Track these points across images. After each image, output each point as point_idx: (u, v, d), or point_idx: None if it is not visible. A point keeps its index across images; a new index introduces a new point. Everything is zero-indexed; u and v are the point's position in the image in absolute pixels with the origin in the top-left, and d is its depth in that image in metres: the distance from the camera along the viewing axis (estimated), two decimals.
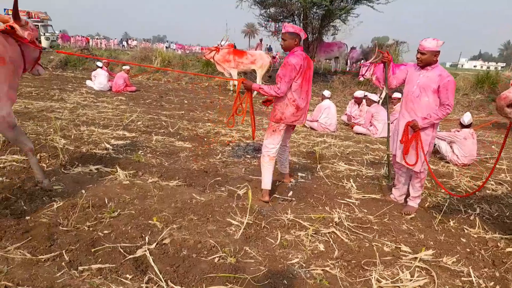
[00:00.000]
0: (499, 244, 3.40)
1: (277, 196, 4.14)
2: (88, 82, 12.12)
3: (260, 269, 2.72)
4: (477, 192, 4.73)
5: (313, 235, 3.28)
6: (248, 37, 72.90)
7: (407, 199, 4.08)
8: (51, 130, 5.93)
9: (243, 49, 15.73)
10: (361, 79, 12.44)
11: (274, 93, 3.73)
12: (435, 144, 6.24)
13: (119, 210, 3.40)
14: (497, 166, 5.99)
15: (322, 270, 2.78)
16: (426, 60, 3.66)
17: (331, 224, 3.52)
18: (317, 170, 5.18)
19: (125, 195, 3.76)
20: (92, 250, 2.73)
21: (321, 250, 3.06)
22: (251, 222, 3.44)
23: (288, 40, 3.76)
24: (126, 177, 4.26)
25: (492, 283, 2.80)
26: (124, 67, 12.49)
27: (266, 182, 3.99)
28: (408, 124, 3.74)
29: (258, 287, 2.51)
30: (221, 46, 13.08)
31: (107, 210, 3.39)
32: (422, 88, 3.69)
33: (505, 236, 3.56)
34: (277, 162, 4.46)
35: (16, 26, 3.23)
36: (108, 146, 5.45)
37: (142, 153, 5.27)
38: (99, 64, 11.99)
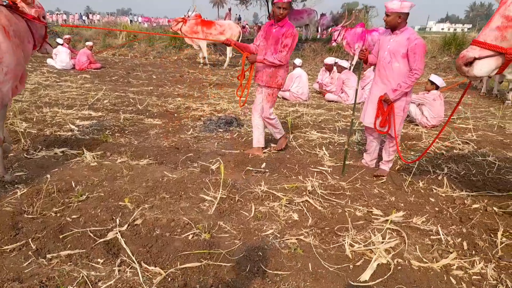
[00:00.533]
0: (465, 201, 3.53)
1: (250, 168, 4.11)
2: (49, 61, 11.51)
3: (235, 243, 2.72)
4: (444, 152, 4.87)
5: (287, 205, 3.30)
6: (217, 7, 70.78)
7: (380, 163, 4.15)
8: (10, 113, 5.62)
9: (212, 20, 15.26)
10: (334, 44, 12.38)
11: (279, 62, 4.03)
12: None
13: (87, 194, 3.29)
14: (464, 125, 6.18)
15: (296, 239, 2.80)
16: (392, 22, 3.61)
17: (304, 193, 3.54)
18: (290, 140, 5.17)
19: (93, 177, 3.64)
20: (60, 236, 2.64)
21: (295, 220, 3.08)
22: (224, 196, 3.41)
23: (288, 9, 4.06)
24: (94, 158, 4.11)
25: (460, 239, 2.91)
26: (87, 43, 11.92)
27: (262, 141, 4.59)
28: (381, 98, 3.74)
29: (233, 261, 2.51)
30: (188, 17, 12.63)
31: (74, 194, 3.28)
32: (392, 53, 3.66)
33: (472, 194, 3.69)
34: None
35: (22, 4, 3.27)
36: (73, 127, 5.24)
37: (110, 133, 5.09)
38: (59, 41, 11.36)
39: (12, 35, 3.05)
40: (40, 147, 4.36)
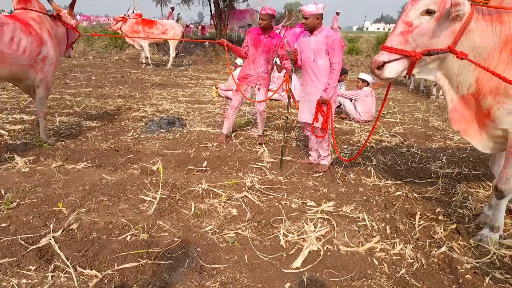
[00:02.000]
0: (390, 189, 3.86)
1: (192, 167, 4.17)
2: None
3: (174, 241, 2.77)
4: (374, 145, 5.25)
5: (226, 201, 3.40)
6: (160, 6, 69.15)
7: (319, 159, 4.36)
8: None
9: (153, 19, 14.95)
10: None
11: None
12: (340, 104, 6.72)
13: (18, 200, 3.16)
14: (392, 120, 6.67)
15: (234, 233, 2.92)
16: (310, 24, 3.89)
17: (244, 189, 3.67)
18: (232, 138, 5.28)
19: (25, 184, 3.50)
20: None
21: (234, 215, 3.20)
22: (165, 196, 3.44)
23: (267, 20, 4.56)
24: (26, 164, 3.94)
25: (383, 224, 3.19)
26: None
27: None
28: (318, 103, 3.92)
29: (172, 258, 2.57)
30: (128, 16, 12.29)
31: (4, 201, 3.13)
32: (316, 52, 3.92)
33: (396, 182, 4.04)
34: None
35: (65, 14, 4.63)
36: (2, 132, 4.95)
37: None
38: None
39: (53, 36, 4.32)
40: None
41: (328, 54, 3.86)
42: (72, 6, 4.68)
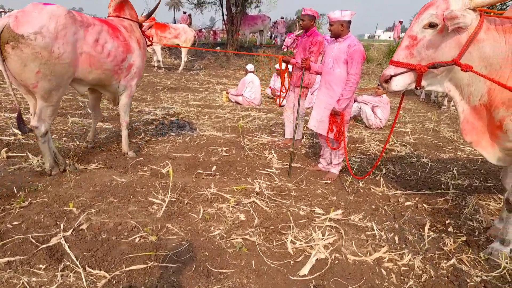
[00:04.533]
0: (399, 199, 3.83)
1: (201, 171, 4.19)
2: None
3: (182, 244, 2.79)
4: (384, 154, 5.22)
5: (235, 206, 3.41)
6: (173, 10, 69.84)
7: (329, 166, 4.36)
8: None
9: (166, 23, 15.12)
10: (285, 49, 12.72)
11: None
12: (360, 109, 6.74)
13: (30, 199, 3.21)
14: (403, 129, 6.64)
15: (242, 238, 2.92)
16: (335, 30, 3.87)
17: (252, 194, 3.68)
18: (241, 143, 5.30)
19: (38, 183, 3.55)
20: (0, 243, 2.58)
21: (241, 220, 3.20)
22: (174, 199, 3.47)
23: (307, 21, 4.85)
24: (39, 163, 4.00)
25: (392, 234, 3.17)
26: None
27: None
28: (331, 114, 3.88)
29: (179, 262, 2.58)
30: None
31: (16, 200, 3.19)
32: (335, 59, 3.90)
33: (405, 192, 4.01)
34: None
35: (144, 26, 4.67)
36: (16, 131, 5.03)
37: (57, 137, 4.95)
38: None
39: (142, 46, 4.33)
40: None
41: (346, 64, 3.82)
42: (149, 15, 4.66)
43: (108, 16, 4.28)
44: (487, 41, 2.44)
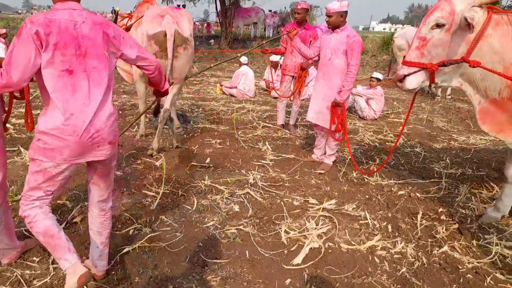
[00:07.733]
0: (392, 188, 3.85)
1: (195, 164, 4.18)
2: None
3: (176, 236, 2.79)
4: (378, 145, 5.25)
5: (229, 197, 3.42)
6: (166, 3, 69.19)
7: (323, 157, 4.37)
8: None
9: None
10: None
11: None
12: (354, 101, 6.76)
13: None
14: (396, 120, 6.66)
15: (236, 229, 2.93)
16: (334, 21, 3.85)
17: (246, 185, 3.68)
18: (235, 135, 5.30)
19: None
20: None
21: (236, 211, 3.21)
22: (168, 191, 3.47)
23: (302, 14, 5.16)
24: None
25: (385, 223, 3.19)
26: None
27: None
28: (332, 105, 3.89)
29: (174, 253, 2.59)
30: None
31: (8, 194, 3.16)
32: (333, 50, 3.89)
33: (399, 181, 4.03)
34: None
35: None
36: (8, 125, 4.97)
37: None
38: None
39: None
40: None
41: (345, 55, 3.81)
42: None
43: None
44: (494, 36, 2.52)
